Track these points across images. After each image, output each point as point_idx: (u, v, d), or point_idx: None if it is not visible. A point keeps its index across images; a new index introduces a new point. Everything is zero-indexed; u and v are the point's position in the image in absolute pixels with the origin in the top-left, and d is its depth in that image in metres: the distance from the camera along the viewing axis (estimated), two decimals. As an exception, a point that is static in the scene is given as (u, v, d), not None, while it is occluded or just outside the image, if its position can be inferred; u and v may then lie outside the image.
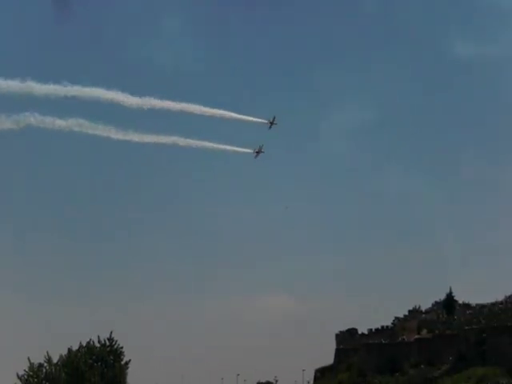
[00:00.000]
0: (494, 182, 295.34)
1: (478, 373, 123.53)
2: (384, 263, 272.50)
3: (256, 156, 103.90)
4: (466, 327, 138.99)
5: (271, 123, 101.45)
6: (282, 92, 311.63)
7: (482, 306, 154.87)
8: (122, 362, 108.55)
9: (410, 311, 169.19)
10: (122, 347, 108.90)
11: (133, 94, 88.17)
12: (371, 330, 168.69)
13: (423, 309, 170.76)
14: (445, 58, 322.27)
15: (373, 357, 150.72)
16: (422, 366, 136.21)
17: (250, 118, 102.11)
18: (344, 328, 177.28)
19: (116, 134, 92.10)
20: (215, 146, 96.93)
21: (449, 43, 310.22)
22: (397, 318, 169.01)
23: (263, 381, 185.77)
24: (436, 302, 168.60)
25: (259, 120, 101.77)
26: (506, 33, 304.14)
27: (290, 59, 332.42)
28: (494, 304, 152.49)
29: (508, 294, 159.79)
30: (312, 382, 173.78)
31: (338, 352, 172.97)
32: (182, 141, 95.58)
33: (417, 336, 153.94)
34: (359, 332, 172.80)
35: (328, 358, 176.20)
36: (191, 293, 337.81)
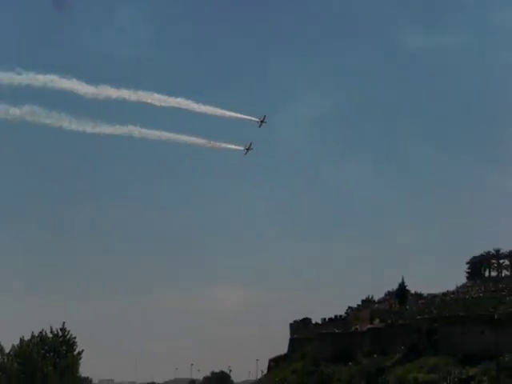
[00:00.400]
0: (444, 172, 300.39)
1: (430, 362, 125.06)
2: (338, 254, 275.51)
3: (246, 153, 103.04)
4: (418, 317, 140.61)
5: (261, 121, 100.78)
6: (237, 82, 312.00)
7: (434, 296, 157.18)
8: (75, 352, 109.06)
9: (363, 301, 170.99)
10: (74, 337, 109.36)
11: (88, 82, 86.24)
12: (325, 319, 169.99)
13: (376, 299, 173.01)
14: (399, 49, 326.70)
15: (326, 346, 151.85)
16: (375, 356, 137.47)
17: (241, 116, 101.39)
18: (298, 318, 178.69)
19: (70, 124, 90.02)
20: (173, 136, 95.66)
21: (402, 35, 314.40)
22: (350, 308, 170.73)
23: (217, 370, 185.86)
24: (388, 292, 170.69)
25: (250, 118, 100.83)
26: (457, 24, 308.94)
27: (246, 48, 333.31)
28: (445, 294, 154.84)
29: (459, 283, 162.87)
30: (266, 371, 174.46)
31: (291, 341, 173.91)
32: (137, 131, 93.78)
33: (369, 325, 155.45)
34: (313, 321, 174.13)
35: (282, 348, 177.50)
36: (145, 284, 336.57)
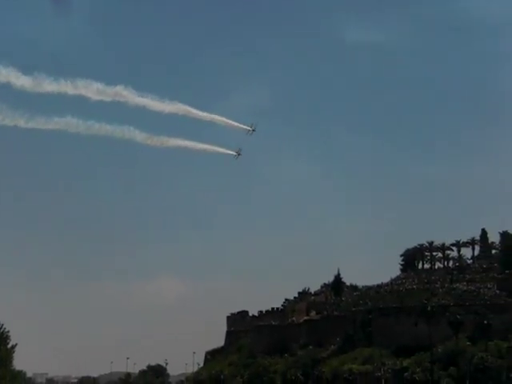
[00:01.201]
0: (379, 165, 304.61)
1: (365, 353, 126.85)
2: (275, 247, 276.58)
3: (237, 157, 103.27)
4: (354, 309, 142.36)
5: (252, 130, 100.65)
6: (172, 75, 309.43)
7: (369, 288, 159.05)
8: (8, 346, 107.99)
9: (299, 293, 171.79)
10: (8, 331, 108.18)
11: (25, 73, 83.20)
12: (262, 311, 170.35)
13: (312, 291, 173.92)
14: (336, 43, 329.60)
15: (263, 338, 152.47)
16: (311, 347, 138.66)
17: (233, 123, 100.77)
18: (235, 310, 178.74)
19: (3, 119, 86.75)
20: (112, 128, 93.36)
21: (340, 29, 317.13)
22: (287, 300, 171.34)
23: (153, 364, 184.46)
24: (325, 284, 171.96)
25: (241, 126, 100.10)
26: (394, 20, 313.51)
27: (181, 42, 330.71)
28: (380, 286, 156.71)
29: (393, 275, 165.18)
30: (202, 364, 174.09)
31: (228, 334, 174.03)
32: (74, 124, 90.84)
33: (306, 317, 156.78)
34: (250, 314, 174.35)
35: (219, 341, 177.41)
36: (81, 278, 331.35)
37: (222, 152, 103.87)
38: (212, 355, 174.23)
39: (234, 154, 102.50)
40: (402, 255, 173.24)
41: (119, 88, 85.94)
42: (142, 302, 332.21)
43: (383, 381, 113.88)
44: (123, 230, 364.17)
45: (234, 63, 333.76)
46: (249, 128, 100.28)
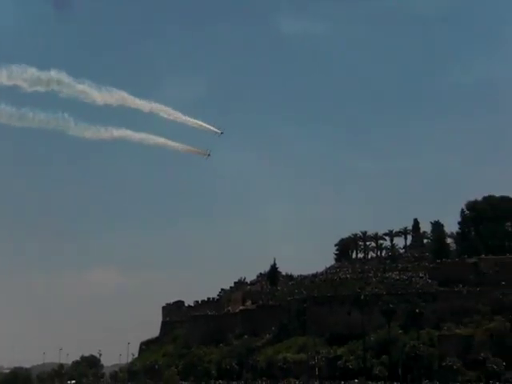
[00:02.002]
0: (315, 157, 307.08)
1: (299, 342, 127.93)
2: (211, 236, 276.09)
3: (207, 158, 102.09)
4: (289, 298, 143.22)
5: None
6: (109, 62, 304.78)
7: (304, 277, 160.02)
8: None
9: (235, 283, 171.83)
10: None
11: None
12: (198, 302, 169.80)
13: (248, 280, 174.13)
14: (273, 34, 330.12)
15: (198, 328, 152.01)
16: (246, 337, 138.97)
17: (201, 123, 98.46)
18: (171, 300, 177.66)
19: None
20: (46, 117, 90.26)
21: (277, 19, 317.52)
22: (223, 290, 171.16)
23: (87, 355, 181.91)
24: (261, 274, 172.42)
25: (211, 128, 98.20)
26: (332, 11, 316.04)
27: (119, 30, 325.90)
28: (315, 275, 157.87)
29: (328, 265, 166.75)
30: (137, 354, 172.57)
31: (164, 324, 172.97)
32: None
33: (241, 307, 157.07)
34: (186, 304, 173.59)
35: (154, 331, 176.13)
36: (16, 267, 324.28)
37: (192, 151, 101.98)
38: (147, 346, 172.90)
39: (205, 154, 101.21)
40: (336, 245, 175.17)
41: (54, 73, 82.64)
42: (75, 293, 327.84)
43: (317, 369, 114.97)
44: (58, 221, 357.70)
45: (169, 52, 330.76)
46: (217, 131, 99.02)
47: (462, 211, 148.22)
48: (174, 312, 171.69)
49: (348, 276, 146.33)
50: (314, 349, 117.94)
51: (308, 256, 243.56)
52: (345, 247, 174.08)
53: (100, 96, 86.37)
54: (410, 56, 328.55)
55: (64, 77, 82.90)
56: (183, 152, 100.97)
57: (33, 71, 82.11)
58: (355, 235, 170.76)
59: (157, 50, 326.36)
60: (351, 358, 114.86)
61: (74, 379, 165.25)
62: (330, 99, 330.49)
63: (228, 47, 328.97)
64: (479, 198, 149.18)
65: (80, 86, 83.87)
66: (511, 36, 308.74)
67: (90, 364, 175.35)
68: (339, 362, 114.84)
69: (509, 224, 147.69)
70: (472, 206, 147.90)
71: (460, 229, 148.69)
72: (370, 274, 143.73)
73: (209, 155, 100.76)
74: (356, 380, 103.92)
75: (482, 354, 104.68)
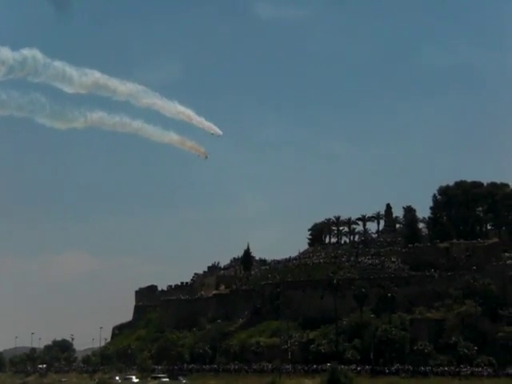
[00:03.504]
0: (290, 142, 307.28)
1: (272, 326, 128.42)
2: (185, 221, 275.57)
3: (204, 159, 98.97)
4: (262, 282, 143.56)
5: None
6: (77, 45, 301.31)
7: (278, 262, 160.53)
8: None
9: (209, 267, 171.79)
10: None
11: None
12: (171, 286, 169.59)
13: (222, 265, 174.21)
14: (251, 19, 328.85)
15: (171, 313, 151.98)
16: (219, 321, 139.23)
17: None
18: (144, 285, 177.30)
19: None
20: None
21: (255, 4, 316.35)
22: (196, 275, 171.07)
23: (59, 339, 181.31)
24: (234, 259, 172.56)
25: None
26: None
27: (89, 12, 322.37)
28: (288, 260, 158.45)
29: (302, 249, 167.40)
30: (109, 338, 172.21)
31: (137, 309, 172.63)
32: None
33: (215, 291, 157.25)
34: (159, 289, 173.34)
35: (127, 315, 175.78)
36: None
37: (190, 146, 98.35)
38: (120, 330, 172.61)
39: (203, 154, 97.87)
40: (310, 230, 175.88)
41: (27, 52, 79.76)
42: (48, 277, 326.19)
43: (290, 353, 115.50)
44: (31, 206, 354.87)
45: (144, 35, 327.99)
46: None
47: (434, 196, 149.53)
48: (147, 296, 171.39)
49: (321, 261, 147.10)
50: (287, 333, 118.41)
51: (281, 241, 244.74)
52: (318, 232, 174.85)
53: (76, 77, 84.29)
54: (387, 40, 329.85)
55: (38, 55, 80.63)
56: (178, 145, 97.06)
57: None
58: (328, 220, 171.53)
59: (133, 33, 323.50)
60: (324, 341, 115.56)
61: (46, 363, 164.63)
62: (305, 84, 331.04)
63: (206, 32, 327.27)
64: (451, 184, 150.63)
65: (54, 67, 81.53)
66: (490, 21, 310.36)
67: (62, 348, 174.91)
68: (312, 346, 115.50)
69: (480, 209, 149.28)
70: (444, 191, 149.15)
71: (432, 214, 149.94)
72: (343, 259, 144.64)
73: (206, 157, 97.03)
74: (328, 364, 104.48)
75: (453, 338, 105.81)
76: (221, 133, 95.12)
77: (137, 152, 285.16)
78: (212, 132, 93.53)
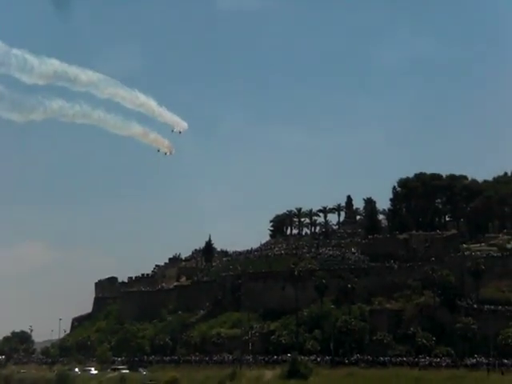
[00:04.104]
0: (250, 133, 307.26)
1: (233, 317, 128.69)
2: (145, 212, 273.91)
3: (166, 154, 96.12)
4: (223, 274, 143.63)
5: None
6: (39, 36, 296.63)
7: (239, 253, 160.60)
8: None
9: (170, 259, 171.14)
10: None
11: None
12: (132, 278, 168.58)
13: (183, 256, 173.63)
14: (211, 10, 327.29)
15: (132, 304, 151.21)
16: (180, 312, 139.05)
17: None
18: (104, 277, 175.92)
19: None
20: None
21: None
22: (157, 266, 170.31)
23: (18, 330, 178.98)
24: (196, 250, 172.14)
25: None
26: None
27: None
28: (249, 251, 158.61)
29: (263, 241, 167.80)
30: (69, 330, 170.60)
31: (96, 300, 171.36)
32: None
33: (176, 283, 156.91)
34: (119, 280, 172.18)
35: (87, 307, 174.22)
36: None
37: (154, 141, 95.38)
38: (79, 322, 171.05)
39: (167, 149, 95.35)
40: (271, 221, 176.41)
41: None
42: (6, 268, 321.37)
43: (250, 344, 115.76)
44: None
45: (105, 24, 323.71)
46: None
47: (394, 188, 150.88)
48: (107, 288, 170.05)
49: (282, 252, 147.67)
50: (248, 324, 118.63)
51: (243, 232, 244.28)
52: (279, 223, 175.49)
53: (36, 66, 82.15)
54: (345, 32, 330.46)
55: None
56: (140, 138, 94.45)
57: None
58: (290, 212, 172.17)
59: (93, 22, 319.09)
60: (284, 332, 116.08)
61: (4, 354, 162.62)
62: (263, 74, 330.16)
63: (162, 21, 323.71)
64: (411, 176, 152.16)
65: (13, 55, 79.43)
66: (445, 15, 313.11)
67: (21, 340, 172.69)
68: (272, 337, 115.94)
69: (439, 201, 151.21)
70: (404, 183, 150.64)
71: (392, 205, 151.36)
72: (304, 250, 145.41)
73: (170, 153, 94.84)
74: (288, 354, 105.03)
75: (412, 329, 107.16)
76: (186, 126, 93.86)
77: (98, 144, 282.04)
78: (174, 130, 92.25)
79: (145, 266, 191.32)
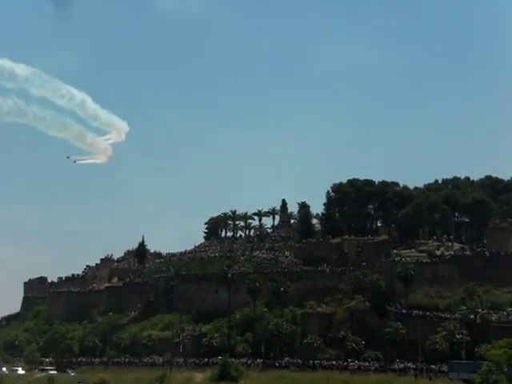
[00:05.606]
0: (187, 134, 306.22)
1: (165, 320, 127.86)
2: (78, 212, 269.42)
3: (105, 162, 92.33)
4: (156, 275, 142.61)
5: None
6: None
7: (173, 255, 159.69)
8: None
9: (102, 259, 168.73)
10: None
11: None
12: (62, 278, 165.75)
13: (115, 257, 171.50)
14: (152, 12, 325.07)
15: (61, 305, 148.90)
16: (111, 314, 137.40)
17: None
18: (33, 276, 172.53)
19: None
20: None
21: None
22: (88, 267, 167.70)
23: None
24: (128, 251, 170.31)
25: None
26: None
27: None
28: (183, 253, 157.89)
29: (197, 243, 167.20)
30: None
31: (25, 300, 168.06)
32: None
33: (107, 284, 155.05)
34: (49, 280, 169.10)
35: (15, 307, 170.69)
36: None
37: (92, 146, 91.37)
38: (7, 321, 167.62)
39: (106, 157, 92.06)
40: (206, 223, 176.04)
41: None
42: None
43: (181, 346, 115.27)
44: None
45: (41, 22, 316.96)
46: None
47: (328, 193, 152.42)
48: (36, 288, 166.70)
49: (216, 254, 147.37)
50: (180, 326, 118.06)
51: (177, 234, 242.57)
52: (214, 226, 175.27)
53: None
54: (285, 37, 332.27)
55: None
56: (76, 142, 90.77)
57: None
58: (225, 214, 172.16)
59: (30, 19, 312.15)
60: (216, 335, 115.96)
61: None
62: (204, 76, 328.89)
63: (103, 21, 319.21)
64: (344, 181, 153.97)
65: None
66: (384, 20, 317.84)
67: None
68: (204, 340, 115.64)
69: (371, 206, 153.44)
70: (337, 188, 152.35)
71: (325, 210, 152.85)
72: (238, 253, 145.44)
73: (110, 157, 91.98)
74: (219, 357, 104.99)
75: (342, 333, 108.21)
76: (126, 128, 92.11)
77: (30, 139, 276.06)
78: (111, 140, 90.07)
79: (76, 267, 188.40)
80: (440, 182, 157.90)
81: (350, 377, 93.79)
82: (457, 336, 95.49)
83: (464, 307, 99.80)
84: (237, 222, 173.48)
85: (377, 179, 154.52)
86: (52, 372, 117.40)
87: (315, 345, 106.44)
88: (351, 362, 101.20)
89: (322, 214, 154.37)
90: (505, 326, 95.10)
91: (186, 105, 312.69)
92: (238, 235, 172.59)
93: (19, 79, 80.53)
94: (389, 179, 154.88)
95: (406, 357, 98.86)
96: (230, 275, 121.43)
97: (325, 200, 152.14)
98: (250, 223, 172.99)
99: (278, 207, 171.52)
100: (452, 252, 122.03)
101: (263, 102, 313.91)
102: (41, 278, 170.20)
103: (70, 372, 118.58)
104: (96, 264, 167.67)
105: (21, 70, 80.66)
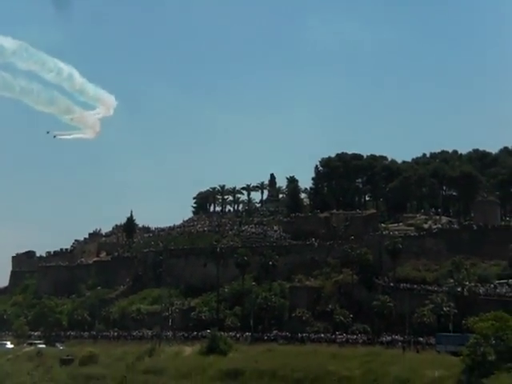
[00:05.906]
0: (176, 111, 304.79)
1: (154, 294, 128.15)
2: (66, 186, 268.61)
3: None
4: (145, 250, 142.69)
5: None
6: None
7: (161, 230, 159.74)
8: None
9: (90, 234, 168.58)
10: None
11: None
12: (50, 252, 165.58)
13: (104, 232, 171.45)
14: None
15: (50, 279, 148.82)
16: (99, 288, 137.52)
17: None
18: (21, 250, 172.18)
19: None
20: None
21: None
22: (77, 241, 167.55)
23: None
24: (117, 226, 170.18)
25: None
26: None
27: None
28: (172, 228, 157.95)
29: (186, 218, 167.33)
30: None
31: (13, 274, 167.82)
32: None
33: (96, 258, 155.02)
34: (38, 255, 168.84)
35: (2, 281, 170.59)
36: None
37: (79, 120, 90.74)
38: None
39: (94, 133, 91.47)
40: (194, 198, 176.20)
41: None
42: None
43: (170, 320, 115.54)
44: None
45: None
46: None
47: (316, 167, 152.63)
48: (24, 262, 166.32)
49: (205, 229, 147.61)
50: (169, 300, 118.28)
51: (166, 209, 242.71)
52: (203, 200, 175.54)
53: None
54: (273, 10, 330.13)
55: None
56: (63, 115, 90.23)
57: None
58: (213, 189, 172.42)
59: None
60: (205, 309, 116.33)
61: None
62: (193, 53, 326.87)
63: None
64: (333, 155, 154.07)
65: None
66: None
67: None
68: (193, 314, 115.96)
69: (359, 181, 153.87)
70: (325, 162, 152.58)
71: (314, 184, 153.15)
72: (227, 227, 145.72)
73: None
74: (208, 330, 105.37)
75: (330, 306, 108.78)
76: (114, 102, 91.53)
77: (17, 113, 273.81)
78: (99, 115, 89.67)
79: (64, 241, 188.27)
80: (428, 155, 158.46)
81: (338, 349, 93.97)
82: (444, 309, 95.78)
83: (451, 280, 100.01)
84: (225, 197, 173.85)
85: (365, 153, 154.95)
86: (41, 346, 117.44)
87: (303, 318, 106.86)
88: (339, 334, 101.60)
89: (311, 188, 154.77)
90: (492, 298, 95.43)
91: (175, 81, 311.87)
92: (226, 210, 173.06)
93: (6, 52, 79.67)
94: (377, 153, 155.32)
95: (393, 330, 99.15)
96: (218, 250, 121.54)
97: (313, 174, 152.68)
98: (239, 198, 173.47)
99: (267, 182, 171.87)
100: (440, 225, 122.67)
101: (252, 78, 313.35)
102: (29, 252, 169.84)
103: (58, 346, 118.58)
104: (84, 238, 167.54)
105: (7, 43, 79.80)
